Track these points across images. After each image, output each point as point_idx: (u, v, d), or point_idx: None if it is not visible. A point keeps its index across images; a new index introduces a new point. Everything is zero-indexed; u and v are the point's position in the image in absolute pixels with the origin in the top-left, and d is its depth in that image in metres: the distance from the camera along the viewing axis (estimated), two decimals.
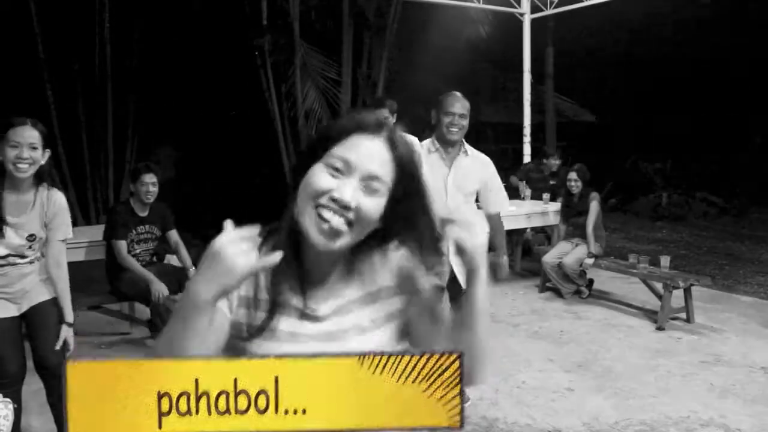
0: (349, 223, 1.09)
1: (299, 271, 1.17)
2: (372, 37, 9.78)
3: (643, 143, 14.47)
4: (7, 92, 9.25)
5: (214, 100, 10.75)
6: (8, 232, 2.72)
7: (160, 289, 4.59)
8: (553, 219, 6.92)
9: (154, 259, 5.04)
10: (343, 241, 1.10)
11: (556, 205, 6.93)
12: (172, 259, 5.15)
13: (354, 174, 1.10)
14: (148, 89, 9.82)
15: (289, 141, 9.20)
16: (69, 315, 2.97)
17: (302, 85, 9.00)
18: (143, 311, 5.08)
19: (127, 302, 5.26)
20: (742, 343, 4.96)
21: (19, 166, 2.60)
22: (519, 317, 5.71)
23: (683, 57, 13.93)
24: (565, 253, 6.23)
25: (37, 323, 2.91)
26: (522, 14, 7.91)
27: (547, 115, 13.57)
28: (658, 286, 5.60)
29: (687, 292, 5.42)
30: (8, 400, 2.73)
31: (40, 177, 2.74)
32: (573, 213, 6.38)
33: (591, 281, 6.38)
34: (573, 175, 6.32)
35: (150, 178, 4.80)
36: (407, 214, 1.15)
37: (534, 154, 8.41)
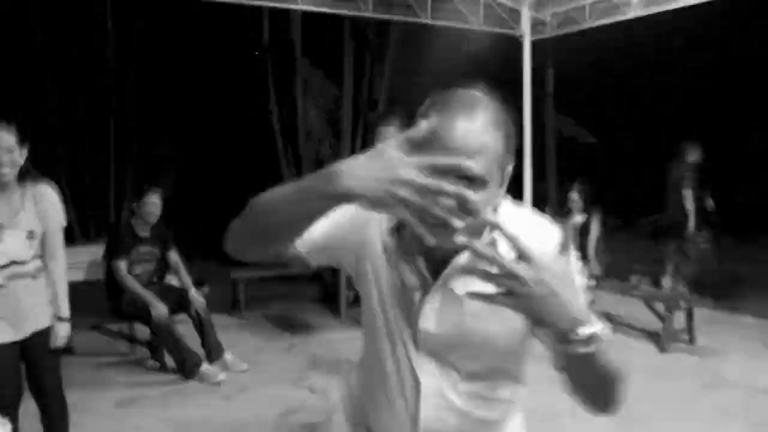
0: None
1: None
2: (372, 56, 9.83)
3: (644, 163, 14.49)
4: (7, 93, 9.30)
5: (215, 119, 10.79)
6: (5, 235, 2.70)
7: (160, 310, 4.58)
8: None
9: (155, 279, 5.04)
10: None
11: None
12: (172, 280, 5.14)
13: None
14: (151, 108, 9.86)
15: (291, 160, 9.21)
16: (64, 309, 2.94)
17: (303, 104, 9.04)
18: (143, 331, 5.07)
19: (126, 322, 5.24)
20: (745, 364, 4.94)
21: (1, 171, 2.65)
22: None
23: (685, 77, 14.00)
24: None
25: (37, 349, 2.86)
26: (521, 36, 7.96)
27: (548, 135, 13.59)
28: (660, 307, 5.58)
29: (689, 313, 5.40)
30: (5, 420, 2.71)
31: (22, 176, 2.77)
32: (574, 234, 6.36)
33: (592, 302, 6.34)
34: (574, 195, 6.31)
35: (154, 199, 4.82)
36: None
37: (534, 174, 8.42)
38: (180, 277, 4.98)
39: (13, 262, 2.72)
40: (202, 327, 4.87)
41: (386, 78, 9.65)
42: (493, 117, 1.08)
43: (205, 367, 4.67)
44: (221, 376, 4.65)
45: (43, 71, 8.88)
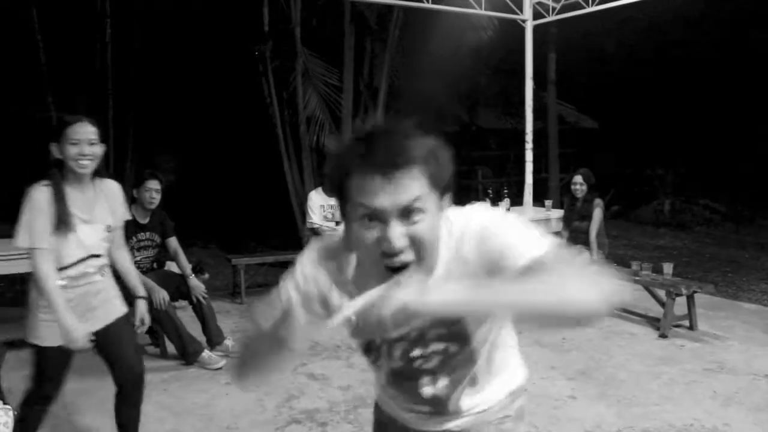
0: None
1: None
2: (374, 43, 9.77)
3: (646, 150, 14.46)
4: (7, 98, 9.29)
5: (215, 107, 10.75)
6: (83, 228, 2.68)
7: (161, 295, 4.58)
8: (555, 225, 6.90)
9: (155, 266, 5.03)
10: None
11: (559, 212, 6.91)
12: (172, 266, 5.14)
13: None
14: (149, 97, 9.83)
15: (291, 148, 9.19)
16: (140, 289, 3.08)
17: (303, 92, 9.00)
18: None
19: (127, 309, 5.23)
20: (746, 350, 4.93)
21: (82, 162, 2.61)
22: (521, 324, 5.67)
23: (687, 63, 13.92)
24: None
25: (112, 342, 2.88)
26: (524, 21, 7.90)
27: (549, 121, 13.55)
28: (661, 293, 5.57)
29: (690, 299, 5.40)
30: (8, 407, 2.71)
31: (97, 170, 2.74)
32: (575, 217, 6.34)
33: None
34: (578, 178, 6.28)
35: (154, 185, 4.80)
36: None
37: (535, 160, 8.39)
38: (179, 263, 4.97)
39: (92, 256, 2.73)
40: (202, 313, 4.88)
41: (387, 64, 9.59)
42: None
43: (205, 353, 4.68)
44: (222, 362, 4.66)
45: (39, 59, 8.83)
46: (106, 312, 2.83)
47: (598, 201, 6.17)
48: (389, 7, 8.86)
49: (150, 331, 5.05)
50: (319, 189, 6.71)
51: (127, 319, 2.93)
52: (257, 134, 10.13)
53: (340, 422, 3.75)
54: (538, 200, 8.15)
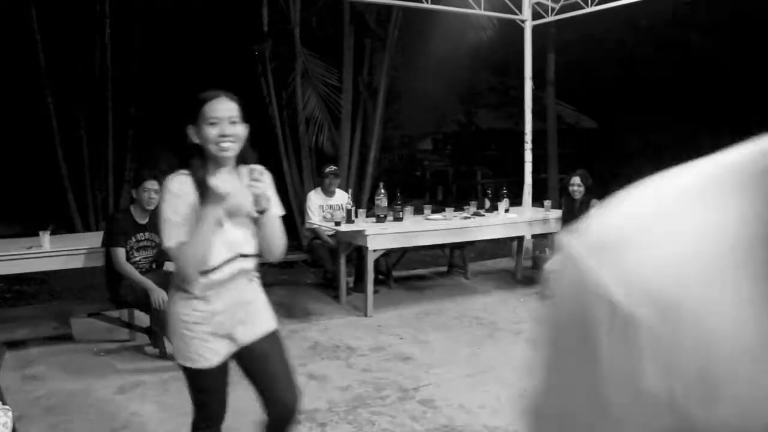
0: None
1: None
2: (373, 43, 9.78)
3: (645, 149, 14.47)
4: (7, 98, 9.28)
5: None
6: (228, 223, 2.28)
7: (160, 295, 4.58)
8: (554, 226, 6.91)
9: (154, 266, 5.03)
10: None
11: (557, 212, 6.91)
12: (171, 266, 5.13)
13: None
14: (149, 96, 9.82)
15: (290, 148, 9.20)
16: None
17: (303, 92, 9.00)
18: (143, 318, 5.07)
19: (126, 309, 5.24)
20: None
21: (223, 145, 2.22)
22: (521, 325, 5.69)
23: (687, 63, 13.94)
24: None
25: (259, 366, 2.44)
26: (523, 21, 7.91)
27: (549, 121, 13.56)
28: None
29: None
30: (7, 407, 2.71)
31: (242, 156, 2.33)
32: (574, 219, 6.34)
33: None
34: (576, 179, 6.29)
35: (153, 185, 4.80)
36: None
37: (535, 160, 8.40)
38: None
39: (240, 255, 2.31)
40: None
41: (386, 65, 9.60)
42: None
43: None
44: None
45: (39, 60, 8.82)
46: (254, 327, 2.39)
47: (595, 202, 6.18)
48: (389, 8, 8.87)
49: (149, 332, 5.06)
50: (318, 189, 6.72)
51: (277, 337, 2.46)
52: (256, 134, 10.11)
53: (340, 422, 3.75)
54: (538, 200, 8.15)
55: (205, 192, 2.13)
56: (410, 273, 7.80)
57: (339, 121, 9.38)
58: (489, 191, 7.54)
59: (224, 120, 2.20)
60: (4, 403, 2.74)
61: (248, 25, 9.08)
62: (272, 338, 2.43)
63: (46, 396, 4.15)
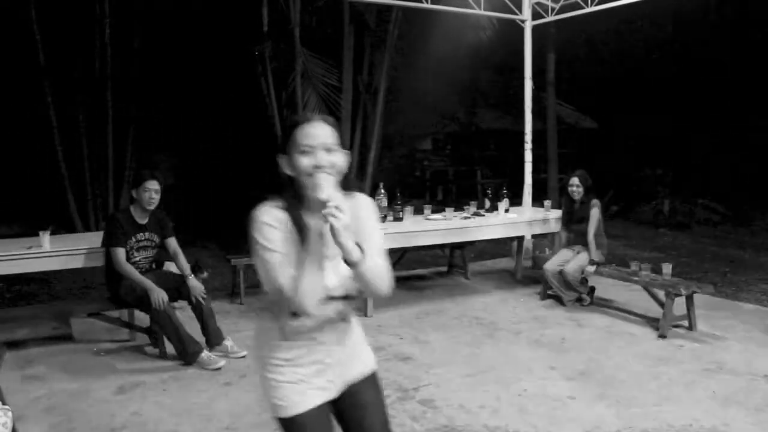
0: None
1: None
2: (373, 43, 9.78)
3: (645, 150, 14.46)
4: (7, 98, 9.28)
5: (215, 108, 10.75)
6: (340, 263, 1.89)
7: (160, 295, 4.58)
8: (554, 226, 6.91)
9: (153, 266, 5.03)
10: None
11: (557, 213, 6.91)
12: (171, 267, 5.13)
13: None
14: (149, 96, 9.82)
15: None
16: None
17: (303, 92, 9.00)
18: (143, 318, 5.07)
19: (126, 309, 5.24)
20: (745, 350, 4.94)
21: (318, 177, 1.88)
22: (520, 325, 5.68)
23: (686, 63, 13.93)
24: (567, 261, 6.21)
25: (359, 409, 2.14)
26: (523, 21, 7.91)
27: (549, 121, 13.56)
28: (660, 293, 5.57)
29: (689, 299, 5.39)
30: (7, 407, 2.71)
31: (345, 185, 1.96)
32: (574, 219, 6.35)
33: (593, 289, 6.36)
34: (575, 180, 6.29)
35: (153, 185, 4.80)
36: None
37: (535, 160, 8.40)
38: (179, 264, 4.97)
39: (348, 296, 2.04)
40: (201, 313, 4.88)
41: (386, 65, 9.60)
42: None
43: (205, 353, 4.68)
44: (221, 362, 4.66)
45: (39, 60, 8.82)
46: (350, 368, 2.12)
47: (595, 201, 6.18)
48: (388, 8, 8.87)
49: (149, 332, 5.06)
50: None
51: (376, 382, 2.21)
52: (256, 134, 10.13)
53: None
54: (538, 200, 8.15)
55: (302, 229, 1.88)
56: (410, 273, 7.80)
57: (339, 121, 9.38)
58: (489, 191, 7.53)
59: (319, 148, 1.87)
60: (4, 403, 2.74)
61: (248, 25, 9.08)
62: (371, 383, 2.18)
63: (46, 396, 4.15)
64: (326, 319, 2.01)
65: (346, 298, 2.03)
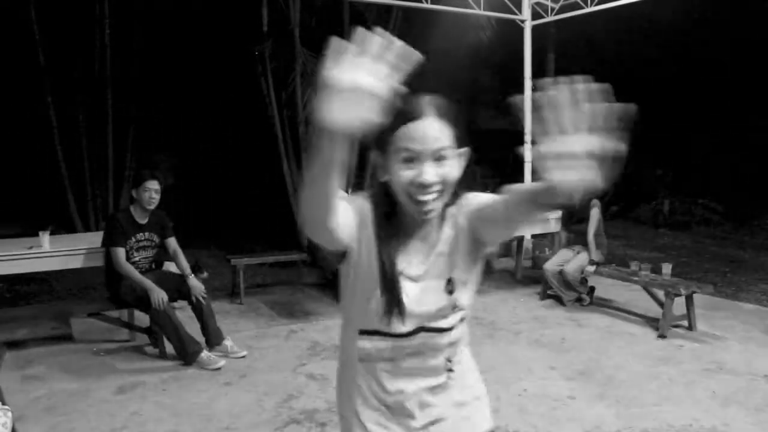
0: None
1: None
2: None
3: (645, 150, 14.45)
4: (7, 99, 9.29)
5: (215, 108, 10.75)
6: (411, 289, 1.42)
7: (160, 295, 4.58)
8: (554, 226, 6.91)
9: (153, 266, 5.03)
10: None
11: (557, 213, 6.91)
12: (170, 267, 5.13)
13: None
14: (149, 96, 9.82)
15: (290, 148, 9.19)
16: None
17: (303, 92, 9.00)
18: (143, 318, 5.07)
19: (126, 309, 5.25)
20: (745, 350, 4.94)
21: (421, 199, 1.32)
22: (520, 324, 5.69)
23: (686, 63, 13.93)
24: (567, 261, 6.21)
25: None
26: (523, 21, 7.91)
27: None
28: (660, 293, 5.57)
29: (689, 299, 5.40)
30: (7, 407, 2.72)
31: (454, 192, 1.40)
32: (574, 220, 6.36)
33: (592, 289, 6.36)
34: None
35: (153, 185, 4.80)
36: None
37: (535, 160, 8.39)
38: (178, 263, 4.97)
39: (422, 329, 1.44)
40: (201, 313, 4.88)
41: None
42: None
43: (204, 353, 4.68)
44: (221, 362, 4.66)
45: (38, 60, 8.82)
46: (452, 426, 1.58)
47: (594, 201, 6.18)
48: (388, 8, 8.86)
49: (149, 332, 5.06)
50: None
51: None
52: (256, 135, 10.13)
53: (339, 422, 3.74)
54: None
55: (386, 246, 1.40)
56: None
57: None
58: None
59: (426, 156, 1.30)
60: (4, 403, 2.74)
61: (248, 25, 9.08)
62: None
63: (46, 396, 4.15)
64: (415, 354, 1.45)
65: (442, 330, 1.45)
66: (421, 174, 1.29)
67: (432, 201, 1.32)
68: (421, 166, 1.29)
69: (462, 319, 1.49)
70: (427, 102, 1.36)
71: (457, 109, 1.37)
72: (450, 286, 1.44)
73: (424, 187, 1.30)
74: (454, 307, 1.44)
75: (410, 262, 1.42)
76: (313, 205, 1.17)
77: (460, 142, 1.35)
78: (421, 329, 1.44)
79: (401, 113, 1.29)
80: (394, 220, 1.41)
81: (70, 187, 9.25)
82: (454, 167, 1.34)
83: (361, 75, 0.97)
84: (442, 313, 1.44)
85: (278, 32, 9.01)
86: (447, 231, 1.44)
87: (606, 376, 4.44)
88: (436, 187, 1.31)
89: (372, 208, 1.41)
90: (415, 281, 1.42)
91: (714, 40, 13.29)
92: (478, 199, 1.45)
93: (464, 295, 1.46)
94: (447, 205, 1.41)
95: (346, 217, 1.33)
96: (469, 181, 1.46)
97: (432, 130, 1.31)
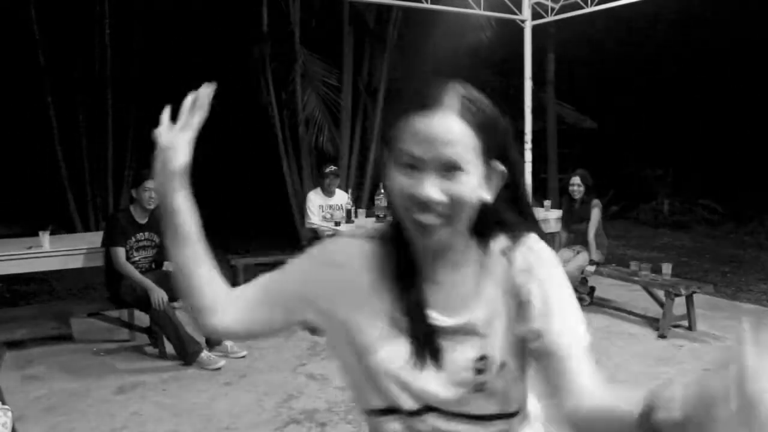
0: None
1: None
2: (372, 44, 9.78)
3: (645, 150, 14.46)
4: (7, 99, 9.28)
5: (214, 108, 10.73)
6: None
7: (160, 295, 4.58)
8: (554, 226, 6.91)
9: (153, 266, 5.03)
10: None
11: (558, 212, 6.91)
12: (170, 266, 5.13)
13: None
14: (149, 96, 9.82)
15: (290, 148, 9.19)
16: None
17: (302, 92, 9.00)
18: (143, 318, 5.07)
19: (126, 309, 5.24)
20: None
21: (419, 219, 0.98)
22: None
23: (686, 63, 13.93)
24: (567, 261, 6.20)
25: None
26: (523, 21, 7.91)
27: (549, 121, 13.55)
28: (660, 293, 5.57)
29: (689, 299, 5.39)
30: (7, 407, 2.72)
31: (482, 224, 1.08)
32: (574, 219, 6.35)
33: (593, 289, 6.36)
34: (576, 179, 6.29)
35: (153, 185, 4.80)
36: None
37: (535, 160, 8.39)
38: None
39: (428, 408, 1.07)
40: None
41: (386, 65, 9.60)
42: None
43: (204, 353, 4.68)
44: (221, 362, 4.66)
45: (38, 60, 8.82)
46: None
47: (595, 201, 6.18)
48: (388, 8, 8.86)
49: (149, 332, 5.06)
50: (318, 190, 6.71)
51: None
52: (256, 135, 10.13)
53: (339, 422, 3.75)
54: (538, 201, 8.15)
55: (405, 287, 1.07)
56: None
57: (339, 121, 9.38)
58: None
59: (432, 163, 0.96)
60: (3, 403, 2.74)
61: (248, 25, 9.08)
62: None
63: (46, 396, 4.15)
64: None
65: (424, 412, 1.07)
66: (419, 186, 0.95)
67: (436, 227, 0.97)
68: (422, 175, 0.95)
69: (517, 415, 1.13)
70: (448, 89, 0.98)
71: (492, 109, 1.00)
72: (481, 365, 1.05)
73: (422, 204, 0.96)
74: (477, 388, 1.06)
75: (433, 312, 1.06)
76: (185, 293, 1.13)
77: (492, 154, 0.99)
78: (428, 409, 1.06)
79: (408, 99, 0.98)
80: (411, 252, 1.06)
81: (69, 187, 9.25)
82: (472, 186, 0.97)
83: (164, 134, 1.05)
84: (449, 387, 1.05)
85: (278, 32, 9.01)
86: (489, 289, 1.06)
87: (606, 376, 4.41)
88: (440, 209, 0.96)
89: (376, 244, 1.10)
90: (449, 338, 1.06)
91: (714, 40, 13.27)
92: (553, 292, 1.08)
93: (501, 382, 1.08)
94: (500, 248, 1.07)
95: (274, 296, 1.21)
96: (528, 219, 1.15)
97: (444, 130, 0.94)
